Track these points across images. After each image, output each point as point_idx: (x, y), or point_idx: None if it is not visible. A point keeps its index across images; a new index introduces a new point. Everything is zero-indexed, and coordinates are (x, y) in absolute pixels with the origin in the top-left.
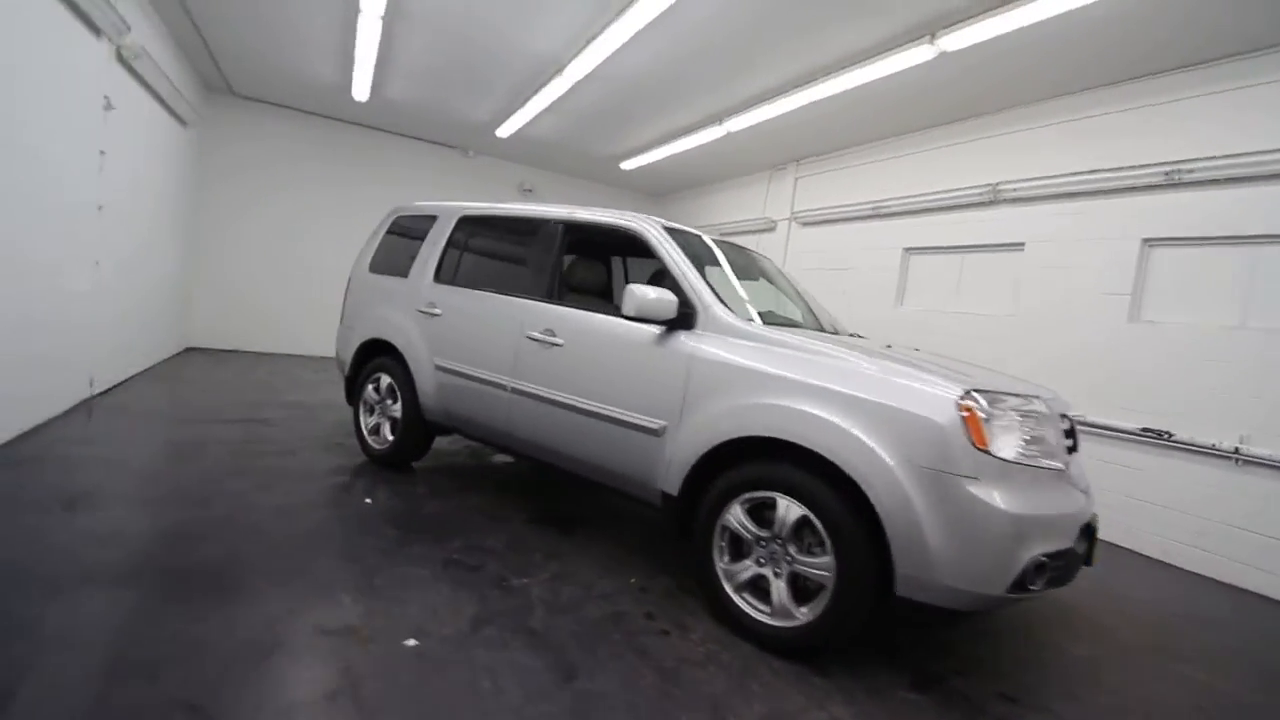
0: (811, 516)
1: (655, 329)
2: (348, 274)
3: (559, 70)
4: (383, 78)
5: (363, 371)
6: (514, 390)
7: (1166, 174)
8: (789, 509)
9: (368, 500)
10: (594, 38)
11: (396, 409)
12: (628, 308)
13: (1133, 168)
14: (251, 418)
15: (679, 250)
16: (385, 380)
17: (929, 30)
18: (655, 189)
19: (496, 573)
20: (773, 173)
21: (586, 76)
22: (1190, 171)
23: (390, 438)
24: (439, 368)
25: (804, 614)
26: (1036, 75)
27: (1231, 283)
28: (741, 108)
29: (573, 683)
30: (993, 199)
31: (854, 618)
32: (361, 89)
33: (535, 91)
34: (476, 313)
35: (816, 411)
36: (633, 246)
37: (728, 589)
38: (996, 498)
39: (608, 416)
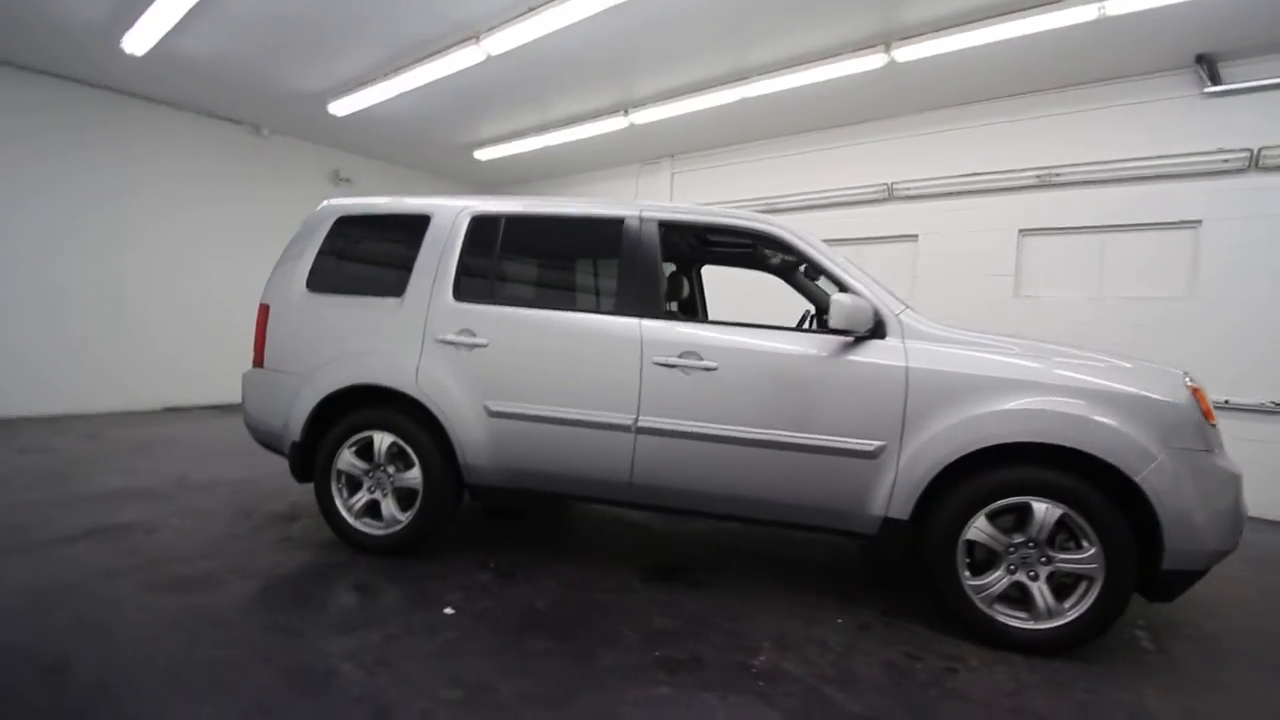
0: (1072, 514)
1: (835, 342)
2: (78, 290)
3: (474, 38)
4: (189, 25)
5: (331, 433)
6: (642, 430)
7: (1039, 177)
8: (1047, 511)
9: (448, 611)
10: (539, 7)
11: (412, 476)
12: (837, 320)
13: (1011, 171)
14: (102, 524)
15: (836, 254)
16: (384, 441)
17: (884, 40)
18: (495, 181)
19: (723, 661)
20: (643, 167)
21: (506, 52)
22: (1058, 175)
23: (402, 517)
24: (495, 414)
25: (1071, 611)
26: (933, 87)
27: (1088, 263)
28: (656, 99)
29: None
30: (888, 196)
31: (1124, 602)
32: (143, 38)
33: (419, 61)
34: (557, 339)
35: (1073, 410)
36: (751, 251)
37: (981, 605)
38: (1229, 463)
39: (799, 445)
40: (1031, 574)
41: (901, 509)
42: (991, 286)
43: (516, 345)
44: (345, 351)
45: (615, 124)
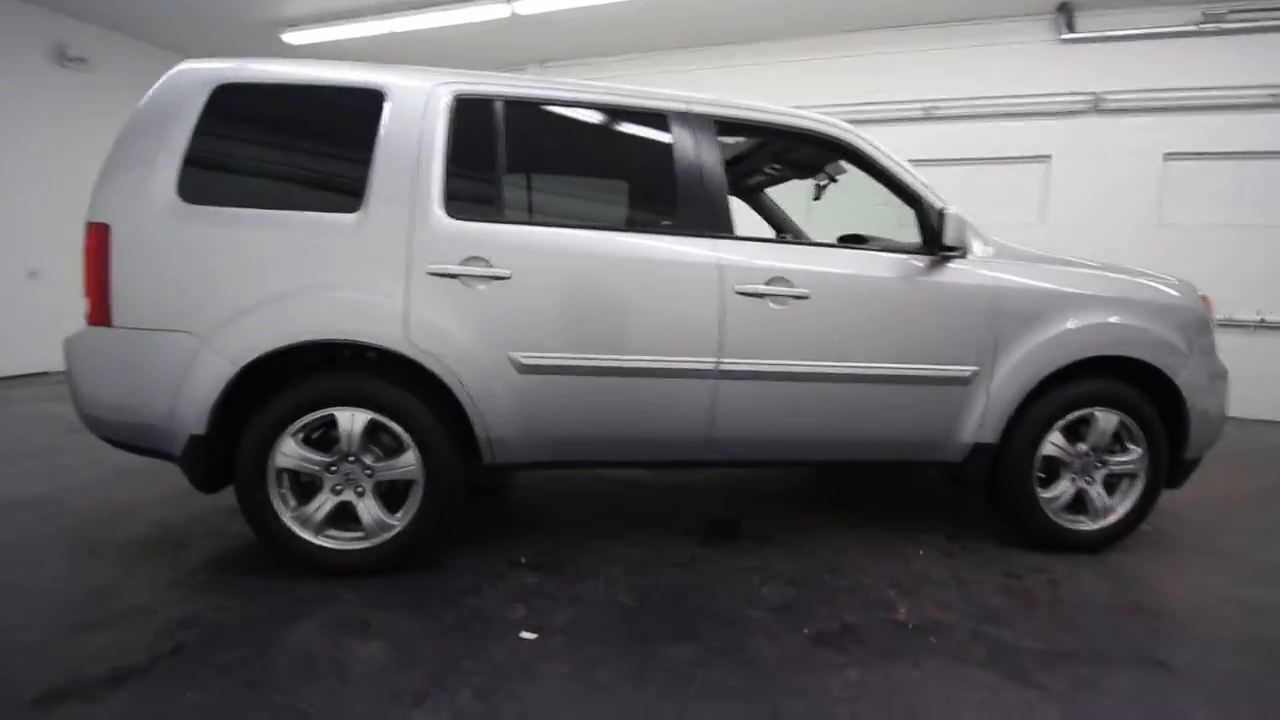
0: (1126, 420)
1: (920, 263)
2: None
3: None
4: None
5: (261, 418)
6: (725, 374)
7: (924, 110)
8: (1108, 419)
9: (527, 636)
10: None
11: (404, 464)
12: (953, 236)
13: (900, 102)
14: None
15: (911, 166)
16: (357, 421)
17: None
18: None
19: (874, 623)
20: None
21: None
22: (939, 109)
23: (393, 520)
24: (528, 368)
25: (1121, 508)
26: (821, 7)
27: (955, 193)
28: None
29: (1169, 668)
30: None
31: (1158, 493)
32: None
33: None
34: (611, 267)
35: (1136, 322)
36: (800, 159)
37: (1051, 515)
38: (1222, 361)
39: (899, 376)
40: (1089, 479)
41: (992, 433)
42: (876, 215)
43: (554, 277)
44: (272, 294)
45: (491, 11)
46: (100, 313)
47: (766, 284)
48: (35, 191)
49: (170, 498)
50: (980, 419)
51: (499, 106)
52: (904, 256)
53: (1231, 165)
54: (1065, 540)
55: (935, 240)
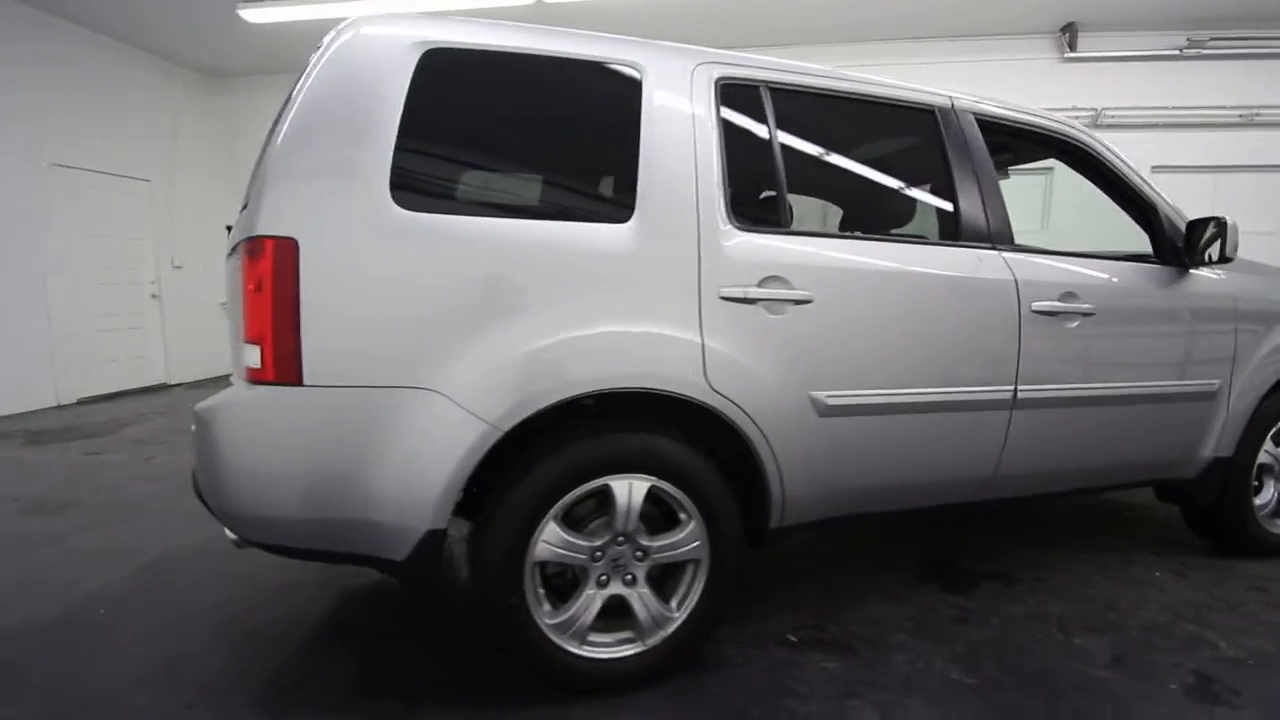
0: None
1: (1169, 273)
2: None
3: None
4: None
5: (517, 496)
6: (1021, 403)
7: None
8: None
9: None
10: None
11: (685, 540)
12: (1232, 248)
13: None
14: None
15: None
16: (636, 492)
17: None
18: (222, 68)
19: (1217, 665)
20: None
21: None
22: None
23: (674, 613)
24: (834, 409)
25: None
26: (826, 19)
27: None
28: None
29: None
30: None
31: None
32: None
33: None
34: (912, 286)
35: None
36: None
37: (1263, 523)
38: None
39: (1164, 394)
40: None
41: (1229, 445)
42: None
43: (859, 299)
44: (538, 329)
45: None
46: (283, 366)
47: (1060, 299)
48: None
49: (249, 605)
50: (1220, 432)
51: (765, 94)
52: (1161, 268)
53: (1211, 177)
54: (1265, 545)
55: (1174, 250)
